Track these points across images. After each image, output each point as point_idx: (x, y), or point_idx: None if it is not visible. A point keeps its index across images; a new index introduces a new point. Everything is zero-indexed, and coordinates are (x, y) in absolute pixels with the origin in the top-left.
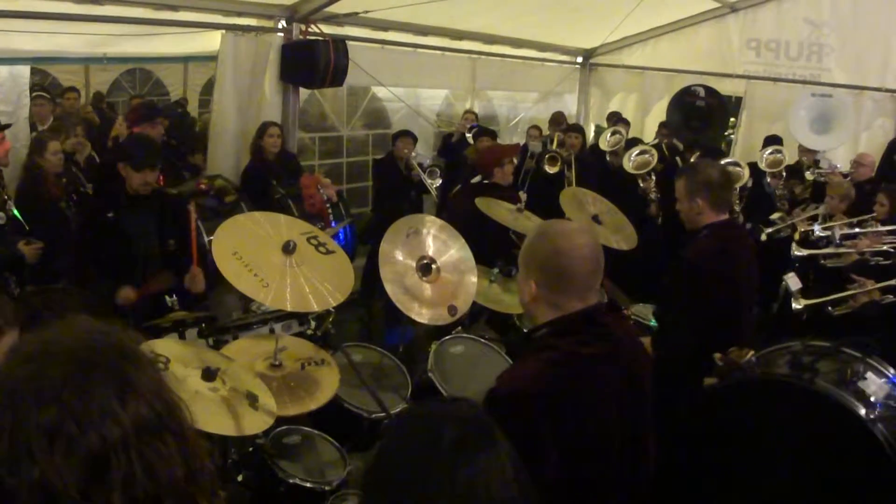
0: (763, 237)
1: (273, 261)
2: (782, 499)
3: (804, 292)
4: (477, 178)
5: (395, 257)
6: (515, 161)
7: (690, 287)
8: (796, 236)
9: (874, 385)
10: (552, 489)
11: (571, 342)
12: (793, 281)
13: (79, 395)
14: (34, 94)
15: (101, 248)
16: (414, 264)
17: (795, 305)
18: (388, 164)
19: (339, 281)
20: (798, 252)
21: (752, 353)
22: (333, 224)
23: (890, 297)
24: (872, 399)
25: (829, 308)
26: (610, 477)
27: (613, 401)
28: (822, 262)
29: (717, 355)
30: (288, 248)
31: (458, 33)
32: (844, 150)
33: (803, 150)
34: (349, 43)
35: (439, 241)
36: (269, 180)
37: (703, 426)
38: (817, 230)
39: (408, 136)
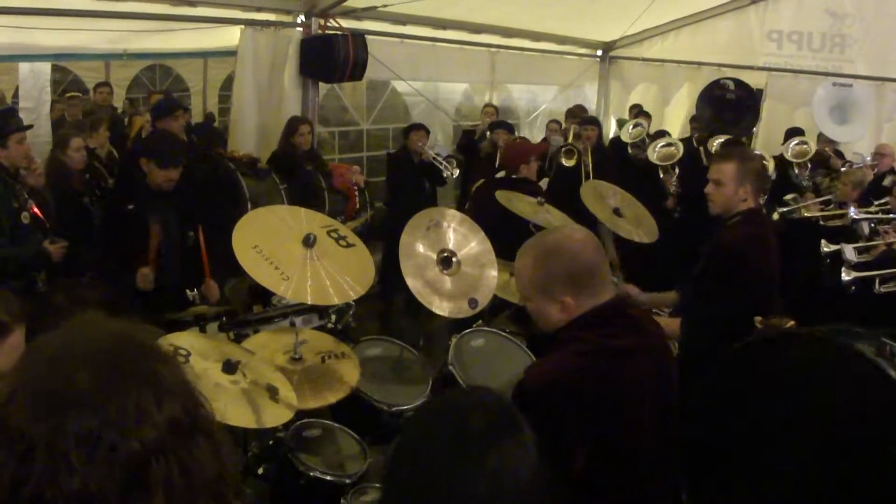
0: (775, 216)
1: (293, 254)
2: (808, 462)
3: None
4: (502, 174)
5: (416, 250)
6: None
7: (722, 270)
8: (818, 214)
9: None
10: (581, 482)
11: (601, 334)
12: (849, 251)
13: (115, 399)
14: (68, 94)
15: (122, 241)
16: (434, 257)
17: (845, 277)
18: (401, 157)
19: (359, 274)
20: (826, 248)
21: (792, 322)
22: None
23: None
24: None
25: (876, 284)
26: (639, 470)
27: (645, 394)
28: (848, 258)
29: (758, 319)
30: (308, 242)
31: (477, 26)
32: (867, 142)
33: (823, 140)
34: (368, 37)
35: (460, 234)
36: (298, 162)
37: (732, 386)
38: (853, 213)
39: (421, 128)
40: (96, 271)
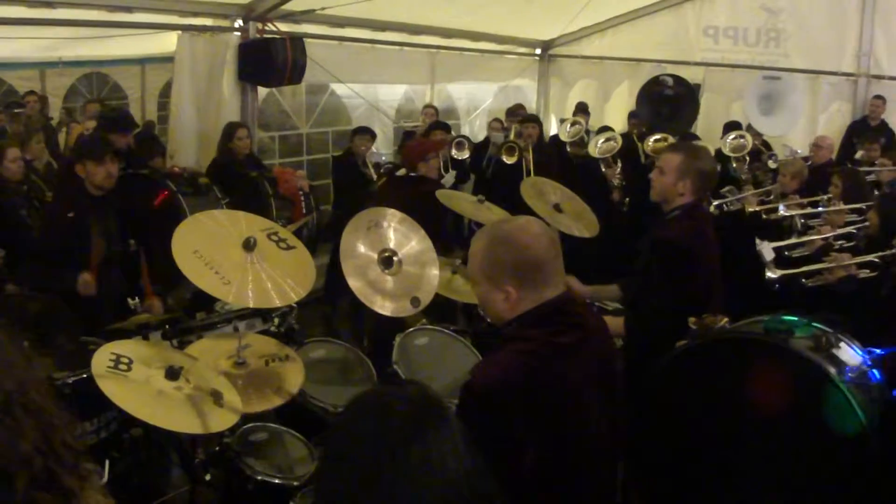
0: (711, 209)
1: (234, 258)
2: (752, 458)
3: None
4: (402, 171)
5: (357, 250)
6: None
7: (665, 265)
8: (747, 210)
9: (847, 354)
10: (530, 480)
11: (544, 332)
12: (766, 249)
13: None
14: (7, 105)
15: (62, 250)
16: (376, 257)
17: (769, 275)
18: (346, 161)
19: (300, 276)
20: (770, 245)
21: (725, 319)
22: (305, 212)
23: (866, 272)
24: (845, 365)
25: (804, 280)
26: (586, 466)
27: (590, 390)
28: (787, 253)
29: (692, 319)
30: (248, 245)
31: (417, 28)
32: (803, 134)
33: (752, 132)
34: (307, 40)
35: (400, 234)
36: (238, 170)
37: (673, 387)
38: (782, 210)
39: (366, 132)
40: (30, 284)
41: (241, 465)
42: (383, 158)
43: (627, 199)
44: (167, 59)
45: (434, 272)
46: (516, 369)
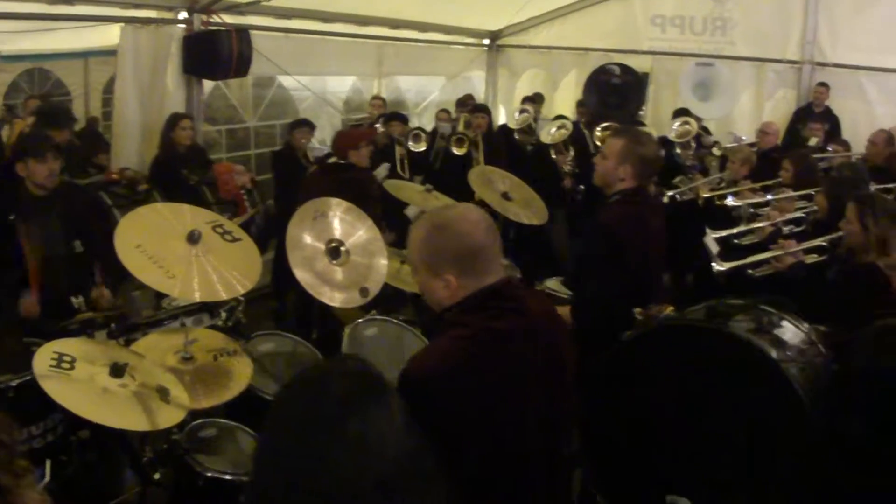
0: (665, 199)
1: (178, 252)
2: (699, 443)
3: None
4: (333, 160)
5: (304, 241)
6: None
7: (604, 251)
8: (700, 199)
9: (789, 333)
10: (469, 469)
11: (482, 317)
12: (711, 242)
13: None
14: None
15: (3, 254)
16: (323, 247)
17: (717, 268)
18: (286, 155)
19: (246, 268)
20: (714, 235)
21: (671, 308)
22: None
23: (814, 257)
24: (787, 344)
25: (750, 271)
26: (529, 455)
27: (530, 377)
28: (737, 241)
29: (637, 310)
30: (193, 238)
31: (364, 19)
32: (749, 121)
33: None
34: (252, 32)
35: (347, 223)
36: (180, 169)
37: (620, 378)
38: (730, 200)
39: (305, 125)
40: None
41: (189, 462)
42: (325, 149)
43: (582, 186)
44: (110, 53)
45: (382, 262)
46: (454, 356)
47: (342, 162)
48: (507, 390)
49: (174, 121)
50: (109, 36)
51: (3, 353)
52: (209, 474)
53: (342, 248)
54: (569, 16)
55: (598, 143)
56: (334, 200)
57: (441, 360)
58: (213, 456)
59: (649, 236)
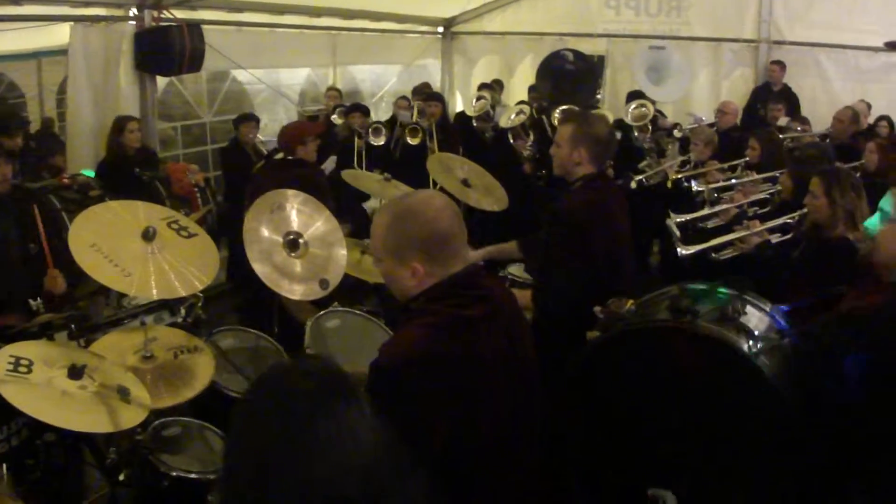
0: (633, 185)
1: (133, 249)
2: (676, 444)
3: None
4: (280, 155)
5: (261, 234)
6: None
7: (567, 239)
8: (669, 182)
9: (755, 319)
10: (442, 458)
11: (450, 305)
12: (674, 226)
13: None
14: None
15: None
16: (281, 240)
17: (681, 251)
18: (234, 150)
19: (203, 263)
20: (678, 219)
21: (631, 302)
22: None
23: (778, 236)
24: (755, 333)
25: (713, 254)
26: (501, 442)
27: (499, 363)
28: (702, 224)
29: (597, 308)
30: (148, 235)
31: (317, 10)
32: (707, 101)
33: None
34: (204, 27)
35: (304, 215)
36: (130, 169)
37: (589, 380)
38: (695, 186)
39: (251, 119)
40: None
41: (153, 461)
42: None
43: (543, 171)
44: (62, 52)
45: (342, 252)
46: (421, 344)
47: (290, 158)
48: (477, 376)
49: (121, 124)
50: (60, 35)
51: None
52: (174, 473)
53: (300, 241)
54: (522, 1)
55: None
56: (291, 192)
57: (411, 349)
58: (178, 455)
59: (613, 221)
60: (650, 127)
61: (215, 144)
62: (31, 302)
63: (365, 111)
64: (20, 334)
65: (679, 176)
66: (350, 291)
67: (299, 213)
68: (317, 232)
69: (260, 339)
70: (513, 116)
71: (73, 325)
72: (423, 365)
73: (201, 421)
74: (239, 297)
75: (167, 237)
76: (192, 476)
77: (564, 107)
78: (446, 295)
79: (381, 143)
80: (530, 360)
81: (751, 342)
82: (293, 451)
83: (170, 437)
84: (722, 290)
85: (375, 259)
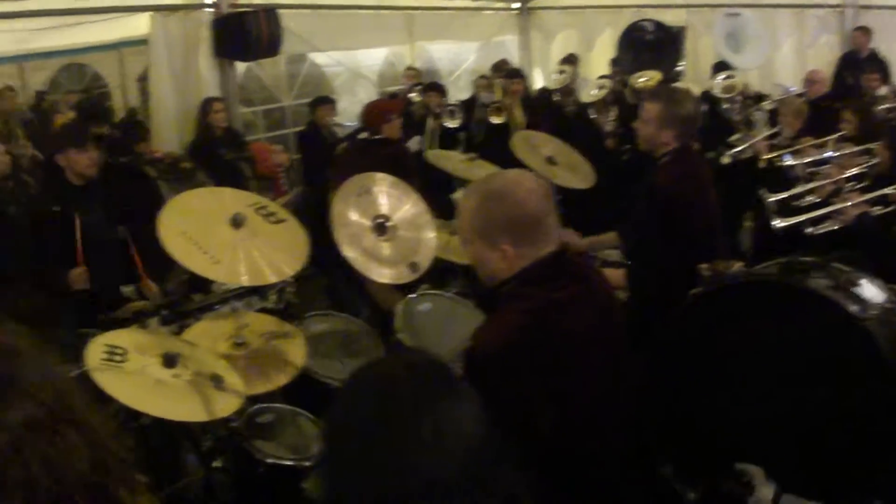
0: (726, 160)
1: (222, 236)
2: (773, 408)
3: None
4: (364, 134)
5: (349, 218)
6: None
7: (663, 214)
8: (761, 161)
9: (869, 291)
10: (549, 441)
11: (544, 289)
12: (770, 203)
13: None
14: None
15: (50, 244)
16: (369, 224)
17: (777, 224)
18: (311, 134)
19: (292, 249)
20: (772, 198)
21: (740, 263)
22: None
23: (879, 209)
24: (868, 302)
25: (811, 229)
26: (595, 422)
27: (595, 342)
28: (795, 203)
29: (703, 266)
30: (236, 222)
31: None
32: (793, 70)
33: None
34: (280, 11)
35: (393, 198)
36: (218, 150)
37: (687, 337)
38: (787, 161)
39: (327, 102)
40: (26, 279)
41: (248, 448)
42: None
43: (628, 146)
44: (143, 42)
45: (431, 235)
46: (519, 329)
47: (375, 137)
48: (573, 357)
49: (207, 105)
50: (140, 26)
51: (63, 344)
52: (269, 460)
53: (389, 224)
54: None
55: (638, 91)
56: (378, 175)
57: (507, 335)
58: (272, 441)
59: (706, 194)
60: (739, 99)
61: (295, 128)
62: (124, 288)
63: (441, 90)
64: (113, 321)
65: (772, 155)
66: (438, 273)
67: (388, 195)
68: (405, 215)
69: (351, 323)
70: (594, 91)
71: (164, 312)
72: (520, 350)
73: (294, 407)
74: (324, 279)
75: (256, 223)
76: (288, 463)
77: (646, 73)
78: (540, 278)
79: (456, 125)
80: (622, 339)
81: (861, 307)
82: (396, 453)
83: (264, 423)
84: (835, 265)
85: (463, 241)
